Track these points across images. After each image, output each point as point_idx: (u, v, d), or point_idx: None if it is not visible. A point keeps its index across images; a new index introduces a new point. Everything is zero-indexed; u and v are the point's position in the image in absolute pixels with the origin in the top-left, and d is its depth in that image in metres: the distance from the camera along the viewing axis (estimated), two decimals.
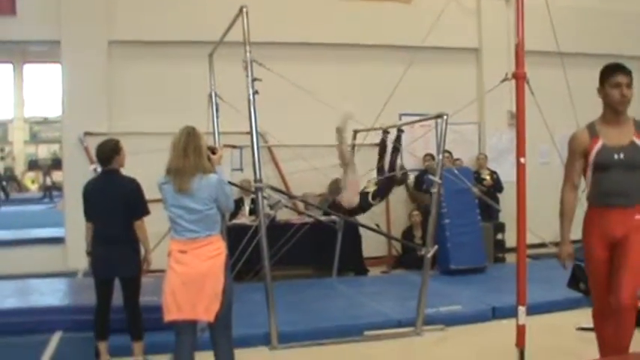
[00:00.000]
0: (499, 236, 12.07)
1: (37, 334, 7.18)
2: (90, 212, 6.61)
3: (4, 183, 28.06)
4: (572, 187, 5.25)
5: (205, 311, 5.05)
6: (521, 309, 5.70)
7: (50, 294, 8.79)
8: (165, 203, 5.25)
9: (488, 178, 12.59)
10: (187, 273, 5.07)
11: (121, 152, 6.53)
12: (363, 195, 9.81)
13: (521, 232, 5.81)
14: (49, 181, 30.20)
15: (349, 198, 9.69)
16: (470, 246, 10.93)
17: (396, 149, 9.73)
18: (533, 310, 6.48)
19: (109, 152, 6.49)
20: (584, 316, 6.11)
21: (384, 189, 10.03)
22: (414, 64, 8.88)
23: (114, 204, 6.17)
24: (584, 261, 5.35)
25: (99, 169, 6.81)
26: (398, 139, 9.69)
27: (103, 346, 6.50)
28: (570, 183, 5.24)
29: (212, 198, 5.16)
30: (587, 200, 5.22)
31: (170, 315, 5.12)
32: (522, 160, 5.82)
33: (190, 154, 5.09)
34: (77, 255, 10.86)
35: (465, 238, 10.89)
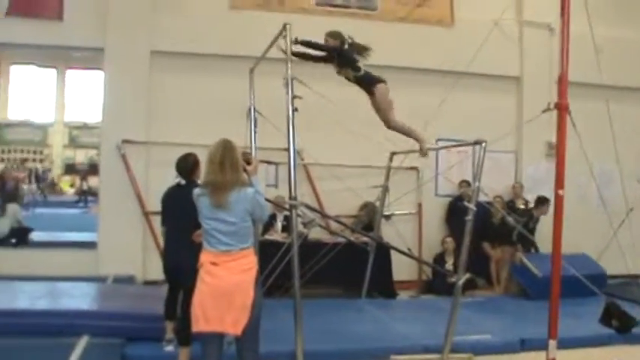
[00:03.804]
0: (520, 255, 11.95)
1: (64, 337, 7.18)
2: (165, 219, 7.23)
3: (41, 185, 28.34)
4: None
5: (233, 324, 5.04)
6: (552, 342, 5.64)
7: (80, 298, 8.82)
8: (200, 215, 5.26)
9: (522, 207, 12.43)
10: (218, 285, 5.07)
11: (199, 165, 6.84)
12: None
13: (555, 264, 5.75)
14: (85, 186, 30.51)
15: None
16: None
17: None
18: (563, 344, 6.40)
19: (190, 166, 6.99)
20: (615, 353, 6.03)
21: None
22: (453, 89, 8.85)
23: (187, 214, 6.24)
24: None
25: (180, 181, 7.07)
26: None
27: (169, 326, 7.23)
28: None
29: (248, 211, 5.17)
30: None
31: (198, 326, 5.12)
32: (561, 192, 5.78)
33: (227, 169, 5.11)
34: (109, 260, 11.04)
35: None
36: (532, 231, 11.79)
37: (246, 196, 5.16)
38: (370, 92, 7.95)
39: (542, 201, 11.67)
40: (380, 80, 8.03)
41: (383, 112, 8.19)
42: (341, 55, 7.92)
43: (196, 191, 5.29)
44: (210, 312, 5.06)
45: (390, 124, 8.30)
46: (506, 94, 13.48)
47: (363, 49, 8.12)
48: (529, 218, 11.87)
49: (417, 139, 8.45)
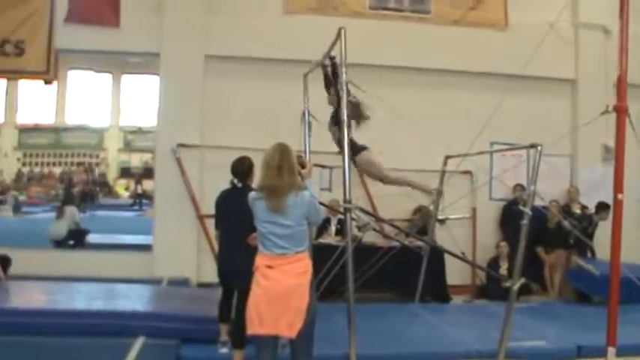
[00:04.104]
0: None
1: (120, 338, 7.27)
2: (219, 222, 7.24)
3: (98, 188, 28.81)
4: None
5: (288, 327, 5.07)
6: (611, 350, 5.55)
7: (136, 299, 8.95)
8: (256, 218, 5.29)
9: (578, 212, 12.26)
10: (273, 288, 5.10)
11: (254, 169, 6.93)
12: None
13: (614, 270, 5.65)
14: (139, 189, 30.92)
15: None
16: None
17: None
18: (621, 352, 6.29)
19: (246, 169, 7.05)
20: None
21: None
22: (507, 92, 8.77)
23: (241, 217, 6.29)
24: None
25: (236, 183, 7.12)
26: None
27: (224, 328, 7.21)
28: None
29: (304, 215, 5.21)
30: None
31: (253, 328, 5.15)
32: (620, 196, 5.68)
33: (285, 173, 5.14)
34: (164, 263, 11.17)
35: None
36: (590, 236, 11.64)
37: (303, 199, 5.20)
38: (353, 160, 7.68)
39: (603, 207, 11.46)
40: (363, 148, 7.85)
41: (373, 175, 8.26)
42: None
43: (252, 195, 5.32)
44: (265, 315, 5.09)
45: (385, 182, 8.28)
46: (562, 97, 13.33)
47: (361, 116, 7.75)
48: (588, 223, 11.71)
49: (417, 188, 8.57)
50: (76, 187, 28.39)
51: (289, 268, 5.15)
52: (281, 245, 5.16)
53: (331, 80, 7.78)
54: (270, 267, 5.16)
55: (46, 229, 14.34)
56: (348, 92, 7.19)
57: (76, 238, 14.12)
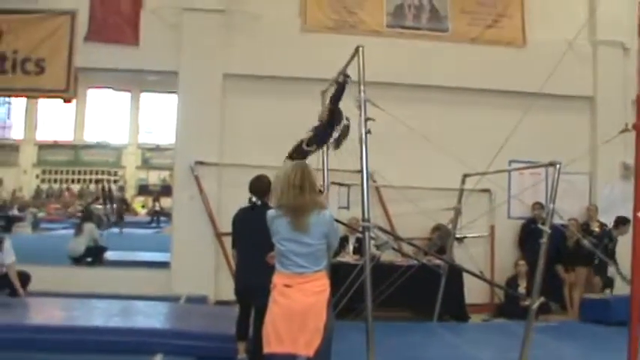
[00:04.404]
0: (606, 291, 11.71)
1: (138, 355, 7.30)
2: (237, 240, 7.28)
3: (115, 205, 28.94)
4: None
5: (306, 346, 5.04)
6: None
7: (154, 317, 8.99)
8: (275, 236, 5.29)
9: (597, 230, 12.17)
10: (291, 306, 5.10)
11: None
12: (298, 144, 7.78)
13: (635, 289, 5.60)
14: (157, 207, 31.01)
15: None
16: None
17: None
18: None
19: (266, 187, 6.99)
20: None
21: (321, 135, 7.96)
22: (526, 110, 8.75)
23: (260, 235, 6.30)
24: None
25: (256, 201, 7.13)
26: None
27: (241, 346, 7.23)
28: None
29: (324, 234, 5.22)
30: None
31: (270, 347, 5.13)
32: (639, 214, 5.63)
33: (307, 191, 5.16)
34: (181, 280, 11.19)
35: None
36: (612, 252, 11.55)
37: (324, 218, 5.23)
38: None
39: (622, 221, 11.39)
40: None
41: None
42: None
43: (271, 213, 5.33)
44: (283, 333, 5.07)
45: None
46: (580, 115, 13.26)
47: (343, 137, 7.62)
48: (608, 240, 11.64)
49: None
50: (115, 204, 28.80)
51: (307, 287, 5.14)
52: (300, 264, 5.16)
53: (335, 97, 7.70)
54: (288, 286, 5.16)
55: (65, 246, 14.40)
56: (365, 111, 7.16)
57: (94, 255, 14.17)
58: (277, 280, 5.25)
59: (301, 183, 5.17)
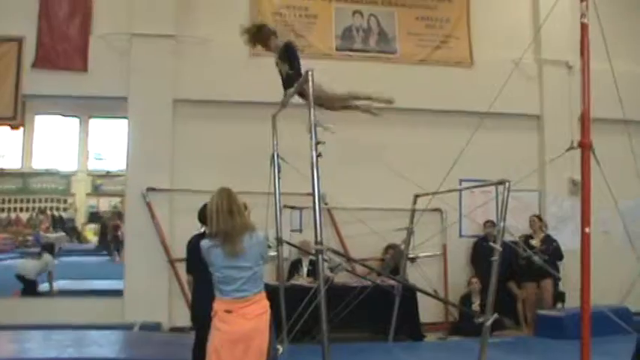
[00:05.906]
0: (558, 305, 11.86)
1: None
2: (192, 267, 7.18)
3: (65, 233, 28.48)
4: None
5: None
6: None
7: (108, 346, 8.87)
8: (212, 266, 5.32)
9: (538, 244, 11.99)
10: (233, 332, 5.14)
11: None
12: None
13: (585, 303, 5.69)
14: (108, 235, 30.60)
15: None
16: None
17: None
18: None
19: None
20: None
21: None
22: (475, 130, 8.85)
23: None
24: None
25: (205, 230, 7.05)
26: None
27: None
28: None
29: (260, 255, 5.29)
30: None
31: None
32: (587, 229, 5.73)
33: (236, 215, 5.22)
34: (135, 308, 11.06)
35: None
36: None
37: (258, 239, 5.29)
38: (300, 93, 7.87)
39: None
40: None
41: (325, 99, 8.12)
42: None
43: (205, 244, 5.35)
44: (228, 359, 5.10)
45: (337, 106, 8.61)
46: (528, 133, 13.49)
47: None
48: (554, 249, 11.82)
49: (374, 100, 8.99)
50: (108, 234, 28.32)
51: (249, 311, 5.19)
52: (240, 289, 5.19)
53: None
54: (229, 311, 5.20)
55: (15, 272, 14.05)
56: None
57: (27, 286, 13.70)
58: (217, 307, 5.30)
59: (229, 207, 5.22)
